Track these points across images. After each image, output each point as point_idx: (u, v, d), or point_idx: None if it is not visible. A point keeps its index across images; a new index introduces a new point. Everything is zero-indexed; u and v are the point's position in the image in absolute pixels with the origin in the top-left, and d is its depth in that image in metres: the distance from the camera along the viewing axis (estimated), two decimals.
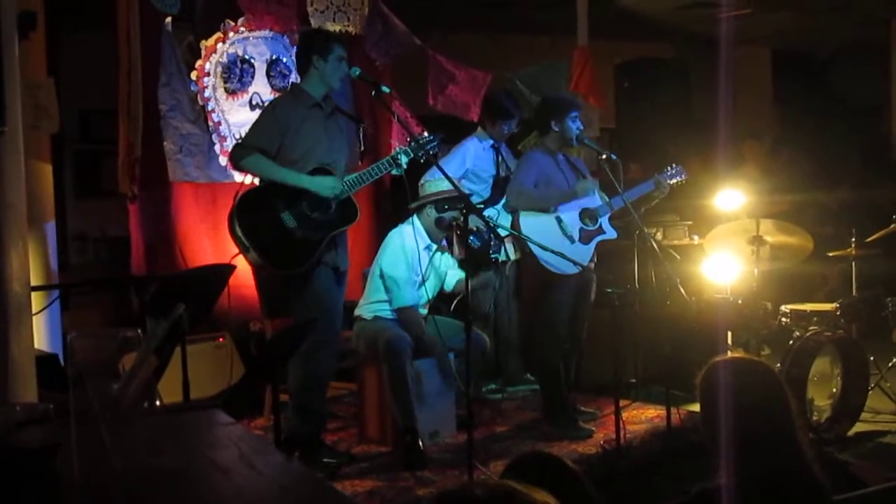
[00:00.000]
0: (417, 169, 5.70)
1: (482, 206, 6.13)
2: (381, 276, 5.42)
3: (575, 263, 5.20)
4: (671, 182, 5.83)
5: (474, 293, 5.71)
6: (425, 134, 5.27)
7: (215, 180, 6.39)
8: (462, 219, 4.90)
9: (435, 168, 5.75)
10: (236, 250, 4.84)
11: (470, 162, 6.31)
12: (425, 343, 5.32)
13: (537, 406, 5.96)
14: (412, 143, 5.06)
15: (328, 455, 5.05)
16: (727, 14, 9.51)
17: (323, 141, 4.93)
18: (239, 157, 4.85)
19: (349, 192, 4.92)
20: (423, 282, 5.43)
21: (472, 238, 5.70)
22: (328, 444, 5.27)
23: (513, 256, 6.18)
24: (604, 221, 5.67)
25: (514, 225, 5.53)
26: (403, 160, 5.03)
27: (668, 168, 5.88)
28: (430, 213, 5.45)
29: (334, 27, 6.64)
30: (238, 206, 4.78)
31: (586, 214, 5.64)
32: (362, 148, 5.84)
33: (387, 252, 5.46)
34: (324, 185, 4.82)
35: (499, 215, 6.00)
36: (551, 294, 5.58)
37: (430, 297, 5.54)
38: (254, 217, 4.77)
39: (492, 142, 6.39)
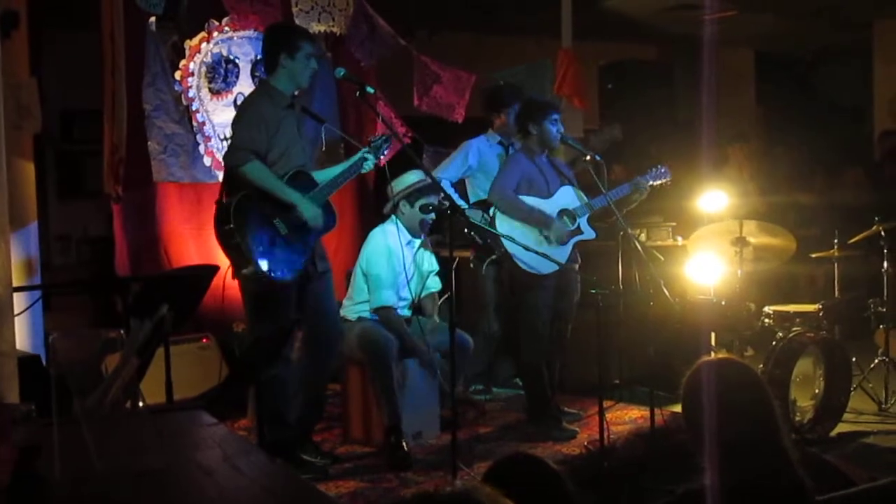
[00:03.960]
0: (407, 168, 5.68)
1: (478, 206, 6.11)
2: (365, 274, 5.41)
3: (551, 261, 5.21)
4: (655, 183, 5.82)
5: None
6: (375, 135, 5.23)
7: (200, 181, 6.37)
8: (444, 202, 4.88)
9: (410, 170, 5.73)
10: (220, 250, 4.78)
11: (473, 158, 6.27)
12: (407, 343, 5.32)
13: (521, 407, 5.96)
14: (371, 146, 5.04)
15: (314, 454, 5.03)
16: (711, 16, 9.55)
17: (297, 142, 4.87)
18: (239, 161, 4.62)
19: (328, 196, 4.86)
20: (408, 280, 5.42)
21: (471, 233, 5.68)
22: (315, 443, 5.25)
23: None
24: (582, 222, 5.67)
25: (491, 223, 5.53)
26: (370, 161, 5.00)
27: (652, 169, 5.87)
28: (405, 208, 5.44)
29: (319, 27, 6.63)
30: (235, 217, 4.57)
31: (565, 214, 5.65)
32: (324, 148, 5.82)
33: (367, 250, 5.45)
34: (312, 215, 4.72)
35: (495, 212, 5.97)
36: (531, 295, 5.59)
37: (414, 296, 5.54)
38: (251, 226, 4.61)
39: (500, 138, 6.35)
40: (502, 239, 5.35)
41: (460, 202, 5.77)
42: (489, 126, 6.43)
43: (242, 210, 4.61)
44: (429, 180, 5.24)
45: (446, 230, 5.16)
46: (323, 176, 4.95)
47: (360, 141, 6.48)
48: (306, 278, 4.87)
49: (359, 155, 5.01)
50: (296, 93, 4.94)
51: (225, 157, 4.88)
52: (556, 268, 5.35)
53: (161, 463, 2.30)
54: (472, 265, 6.13)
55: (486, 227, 5.51)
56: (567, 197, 5.68)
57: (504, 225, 5.49)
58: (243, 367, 4.39)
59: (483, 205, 6.01)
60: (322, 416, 5.36)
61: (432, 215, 5.40)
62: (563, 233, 5.56)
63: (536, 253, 5.17)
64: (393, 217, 5.50)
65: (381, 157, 5.08)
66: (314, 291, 4.93)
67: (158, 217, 6.24)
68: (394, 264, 5.37)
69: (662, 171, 5.86)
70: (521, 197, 5.55)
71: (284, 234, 4.69)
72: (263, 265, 4.60)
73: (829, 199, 8.94)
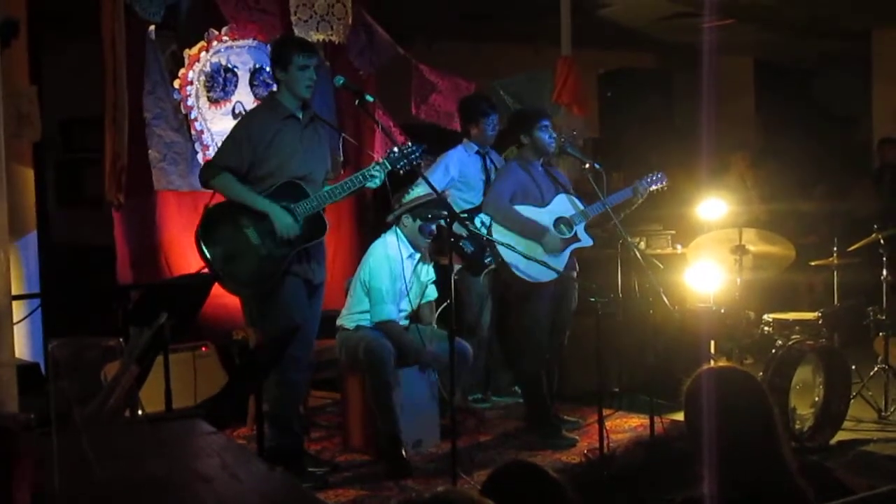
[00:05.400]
0: (402, 180, 5.67)
1: (465, 214, 6.11)
2: (366, 286, 5.40)
3: (550, 269, 5.21)
4: (652, 188, 5.84)
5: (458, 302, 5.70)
6: (408, 143, 5.20)
7: (198, 189, 6.35)
8: (446, 225, 4.88)
9: (419, 181, 5.72)
10: None
11: (454, 170, 6.27)
12: (406, 349, 5.31)
13: (521, 415, 5.96)
14: (393, 153, 4.99)
15: (312, 465, 5.04)
16: (710, 24, 9.56)
17: (298, 152, 4.88)
18: (207, 176, 4.89)
19: (320, 207, 4.86)
20: (408, 291, 5.42)
21: (465, 243, 5.69)
22: (311, 453, 5.26)
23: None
24: (579, 229, 5.67)
25: (487, 232, 5.53)
26: (379, 174, 4.96)
27: (650, 175, 5.88)
28: (408, 222, 5.43)
29: (318, 37, 6.64)
30: (203, 223, 4.79)
31: (561, 222, 5.65)
32: (342, 157, 5.81)
33: (370, 262, 5.44)
34: (283, 224, 4.74)
35: (491, 222, 5.97)
36: (529, 304, 5.58)
37: (413, 306, 5.53)
38: (219, 233, 4.77)
39: (477, 148, 6.36)
40: (499, 248, 5.35)
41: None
42: (465, 136, 6.41)
43: (213, 219, 4.79)
44: (434, 196, 5.23)
45: (444, 239, 5.17)
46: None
47: (359, 151, 6.52)
48: (310, 285, 4.92)
49: (372, 165, 5.00)
50: (300, 104, 4.95)
51: (199, 173, 5.08)
52: (555, 276, 5.35)
53: (160, 471, 2.30)
54: (455, 276, 6.15)
55: (484, 236, 5.52)
56: (562, 205, 5.68)
57: (500, 234, 5.49)
58: (243, 375, 4.38)
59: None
60: (305, 427, 5.36)
61: (432, 226, 5.40)
62: (556, 245, 5.55)
63: (535, 261, 5.18)
64: (394, 228, 5.49)
65: (399, 168, 5.02)
66: (298, 301, 4.96)
67: (159, 225, 6.25)
68: (395, 277, 5.36)
69: (659, 176, 5.88)
70: (516, 207, 5.56)
71: (257, 244, 4.74)
72: (227, 274, 4.72)
73: (833, 208, 8.95)
